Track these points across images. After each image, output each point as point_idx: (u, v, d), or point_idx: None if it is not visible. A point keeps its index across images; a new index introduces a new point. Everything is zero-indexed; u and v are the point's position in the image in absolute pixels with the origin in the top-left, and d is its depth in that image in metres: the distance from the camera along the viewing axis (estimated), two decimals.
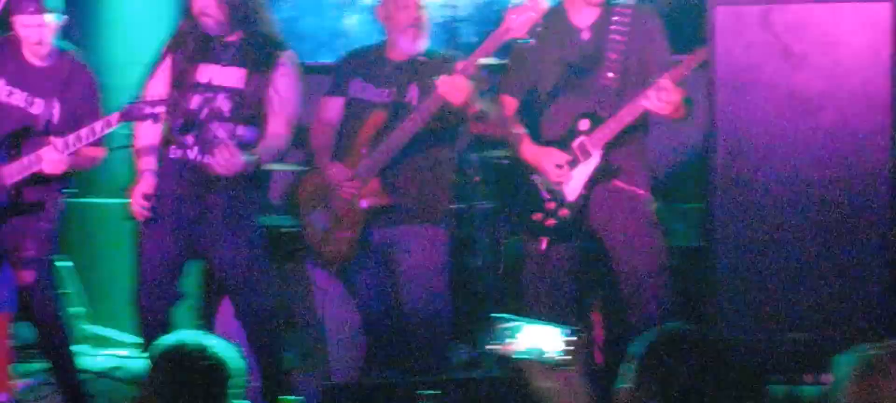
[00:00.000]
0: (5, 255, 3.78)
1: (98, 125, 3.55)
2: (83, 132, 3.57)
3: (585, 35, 3.52)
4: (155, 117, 3.54)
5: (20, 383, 4.33)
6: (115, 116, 3.51)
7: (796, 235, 3.19)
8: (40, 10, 3.67)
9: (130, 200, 3.63)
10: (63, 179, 3.76)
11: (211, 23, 3.48)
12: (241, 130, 3.58)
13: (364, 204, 3.67)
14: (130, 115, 3.54)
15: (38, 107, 3.78)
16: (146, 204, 3.60)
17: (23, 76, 3.80)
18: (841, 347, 1.83)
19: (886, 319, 3.13)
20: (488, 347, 2.93)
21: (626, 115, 3.41)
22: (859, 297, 3.16)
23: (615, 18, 3.50)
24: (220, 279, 3.84)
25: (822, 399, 3.15)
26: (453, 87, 3.40)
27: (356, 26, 5.24)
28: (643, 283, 3.47)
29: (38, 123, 3.78)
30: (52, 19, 3.72)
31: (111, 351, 5.00)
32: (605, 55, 3.46)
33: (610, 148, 3.41)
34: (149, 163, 3.64)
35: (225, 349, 2.08)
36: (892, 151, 3.17)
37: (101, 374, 4.60)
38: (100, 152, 3.84)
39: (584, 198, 3.47)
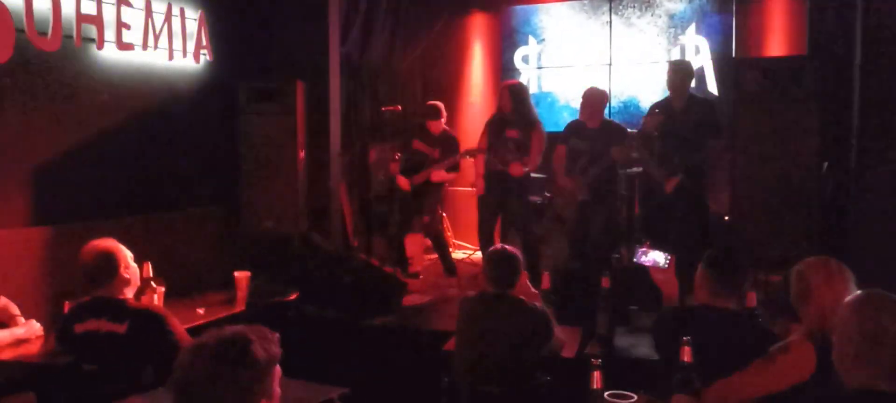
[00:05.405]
0: (419, 210, 6.32)
1: (452, 160, 6.08)
2: (448, 162, 6.10)
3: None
4: (473, 154, 5.95)
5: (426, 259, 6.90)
6: (460, 154, 6.06)
7: None
8: (439, 115, 6.28)
9: (474, 188, 6.12)
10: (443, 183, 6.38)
11: (505, 112, 5.81)
12: (523, 157, 5.66)
13: (580, 197, 5.74)
14: (466, 154, 6.04)
15: (434, 152, 6.31)
16: (482, 189, 5.88)
17: (429, 140, 6.36)
18: None
19: None
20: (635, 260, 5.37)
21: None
22: None
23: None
24: (511, 219, 5.92)
25: None
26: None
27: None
28: (693, 231, 5.32)
29: (431, 159, 6.30)
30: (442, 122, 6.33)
31: (463, 249, 7.78)
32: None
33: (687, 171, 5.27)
34: (481, 172, 5.90)
35: (514, 252, 3.54)
36: None
37: (460, 259, 7.23)
38: (450, 176, 6.34)
39: (675, 193, 5.30)
